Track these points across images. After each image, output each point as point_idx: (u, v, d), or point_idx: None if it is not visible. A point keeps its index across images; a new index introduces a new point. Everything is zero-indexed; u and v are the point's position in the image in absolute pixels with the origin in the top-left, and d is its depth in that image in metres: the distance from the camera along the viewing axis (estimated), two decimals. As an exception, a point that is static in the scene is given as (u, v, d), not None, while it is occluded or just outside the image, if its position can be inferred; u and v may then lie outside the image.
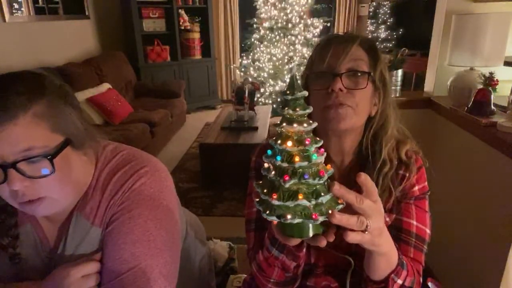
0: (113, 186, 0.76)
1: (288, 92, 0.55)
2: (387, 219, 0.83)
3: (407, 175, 0.84)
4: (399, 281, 0.73)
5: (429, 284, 0.96)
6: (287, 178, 0.53)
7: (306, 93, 0.55)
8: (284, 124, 0.55)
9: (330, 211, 0.56)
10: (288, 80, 0.56)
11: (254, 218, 0.89)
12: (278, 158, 0.55)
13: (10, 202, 0.68)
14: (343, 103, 0.77)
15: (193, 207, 2.83)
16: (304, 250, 0.74)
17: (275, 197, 0.54)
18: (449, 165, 1.77)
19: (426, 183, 0.87)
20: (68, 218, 0.78)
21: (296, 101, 0.55)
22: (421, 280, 0.82)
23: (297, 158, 0.54)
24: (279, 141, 0.55)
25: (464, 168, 1.69)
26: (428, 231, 0.85)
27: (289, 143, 0.54)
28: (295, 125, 0.54)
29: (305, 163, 0.53)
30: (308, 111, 0.55)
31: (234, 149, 3.05)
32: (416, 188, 0.85)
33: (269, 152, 0.57)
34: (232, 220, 2.67)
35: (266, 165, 0.58)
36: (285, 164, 0.54)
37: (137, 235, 0.73)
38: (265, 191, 0.57)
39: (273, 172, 0.56)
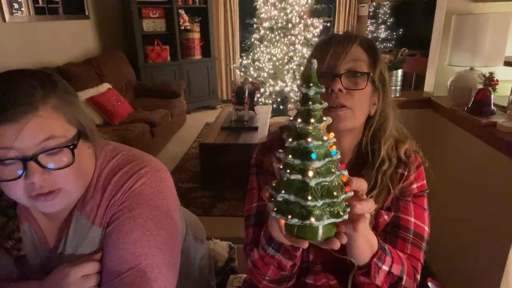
0: (113, 186, 0.76)
1: (304, 86, 0.54)
2: (386, 217, 0.84)
3: (406, 173, 0.84)
4: (385, 267, 0.73)
5: (429, 284, 0.96)
6: (311, 175, 0.52)
7: (323, 88, 0.54)
8: (300, 119, 0.54)
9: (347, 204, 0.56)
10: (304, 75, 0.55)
11: (254, 213, 0.90)
12: (314, 156, 0.53)
13: (21, 198, 0.68)
14: (342, 104, 0.77)
15: (193, 207, 2.83)
16: (301, 249, 0.74)
17: (309, 198, 0.52)
18: (449, 165, 1.77)
19: (424, 181, 0.87)
20: (68, 217, 0.78)
21: (317, 95, 0.54)
22: (419, 278, 0.82)
23: (320, 153, 0.53)
24: (293, 137, 0.54)
25: (464, 168, 1.69)
26: (426, 229, 0.85)
27: (309, 139, 0.53)
28: (312, 120, 0.53)
29: (327, 159, 0.53)
30: (325, 104, 0.55)
31: (234, 149, 3.05)
32: (415, 186, 0.85)
33: (289, 149, 0.55)
34: (232, 220, 2.67)
35: (282, 164, 0.56)
36: (309, 161, 0.53)
37: (137, 235, 0.73)
38: (283, 191, 0.55)
39: (289, 171, 0.54)
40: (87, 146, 0.74)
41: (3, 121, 0.61)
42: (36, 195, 0.67)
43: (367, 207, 0.58)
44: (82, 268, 0.72)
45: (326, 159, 0.53)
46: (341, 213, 0.54)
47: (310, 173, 0.52)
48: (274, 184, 0.58)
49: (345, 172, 0.56)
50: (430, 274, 1.82)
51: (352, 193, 0.56)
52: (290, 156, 0.54)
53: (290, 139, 0.55)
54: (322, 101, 0.55)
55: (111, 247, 0.73)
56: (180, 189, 3.16)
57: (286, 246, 0.73)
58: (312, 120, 0.53)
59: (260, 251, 0.78)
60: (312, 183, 0.52)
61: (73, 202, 0.76)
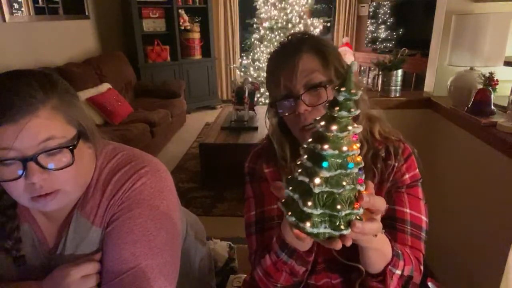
0: (113, 186, 0.76)
1: (336, 88, 0.50)
2: None
3: (397, 164, 0.83)
4: (398, 272, 0.73)
5: (429, 284, 0.96)
6: (317, 182, 0.50)
7: (357, 95, 0.50)
8: (323, 122, 0.51)
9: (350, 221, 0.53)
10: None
11: (254, 221, 0.89)
12: (325, 164, 0.50)
13: (21, 198, 0.68)
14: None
15: (193, 207, 2.83)
16: (313, 255, 0.74)
17: (309, 204, 0.51)
18: (449, 165, 1.77)
19: (417, 170, 0.86)
20: (68, 217, 0.78)
21: (347, 102, 0.50)
22: (422, 269, 0.81)
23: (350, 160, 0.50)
24: (313, 138, 0.52)
25: (464, 168, 1.69)
26: (424, 218, 0.84)
27: (325, 146, 0.50)
28: (334, 127, 0.50)
29: (339, 171, 0.51)
30: (356, 112, 0.50)
31: (234, 149, 3.04)
32: (407, 176, 0.84)
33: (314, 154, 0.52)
34: (232, 220, 2.67)
35: (299, 160, 0.54)
36: (337, 171, 0.50)
37: (137, 235, 0.73)
38: (291, 188, 0.53)
39: (300, 170, 0.53)
40: (87, 146, 0.74)
41: (3, 122, 0.61)
42: (36, 196, 0.67)
43: (369, 229, 0.54)
44: (82, 268, 0.72)
45: (338, 171, 0.50)
46: (342, 227, 0.52)
47: (317, 180, 0.50)
48: (289, 177, 0.56)
49: (361, 188, 0.53)
50: (430, 274, 1.82)
51: (361, 211, 0.53)
52: (305, 156, 0.53)
53: (310, 139, 0.53)
54: (354, 109, 0.50)
55: (111, 247, 0.73)
56: (180, 189, 3.15)
57: (299, 252, 0.73)
58: (334, 127, 0.49)
59: (273, 257, 0.77)
60: (316, 190, 0.50)
61: (73, 202, 0.76)
